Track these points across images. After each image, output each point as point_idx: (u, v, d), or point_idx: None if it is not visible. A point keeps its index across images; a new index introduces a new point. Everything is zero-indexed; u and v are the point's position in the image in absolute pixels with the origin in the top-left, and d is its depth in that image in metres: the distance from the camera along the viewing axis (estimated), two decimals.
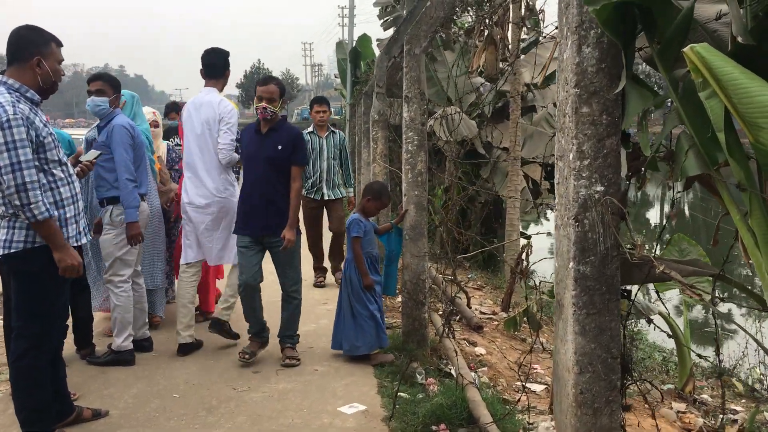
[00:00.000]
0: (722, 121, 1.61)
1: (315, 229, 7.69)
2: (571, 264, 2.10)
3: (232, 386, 4.43)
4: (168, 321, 5.74)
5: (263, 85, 4.82)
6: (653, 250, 2.06)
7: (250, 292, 4.84)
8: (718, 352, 1.98)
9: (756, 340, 1.90)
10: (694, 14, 1.87)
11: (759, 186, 1.76)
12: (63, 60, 3.48)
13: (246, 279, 4.80)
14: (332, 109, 7.76)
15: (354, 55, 20.42)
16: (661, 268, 1.83)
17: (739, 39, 1.58)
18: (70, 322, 3.89)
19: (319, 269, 7.79)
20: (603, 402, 2.13)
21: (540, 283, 3.52)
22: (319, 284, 7.64)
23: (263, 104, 4.75)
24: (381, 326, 4.92)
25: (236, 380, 4.54)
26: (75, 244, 3.46)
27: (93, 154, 4.34)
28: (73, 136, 5.75)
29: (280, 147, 4.70)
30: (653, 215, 22.34)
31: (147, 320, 5.12)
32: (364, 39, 19.76)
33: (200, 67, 5.19)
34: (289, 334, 4.98)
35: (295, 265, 4.91)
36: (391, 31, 12.21)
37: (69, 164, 3.54)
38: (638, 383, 2.42)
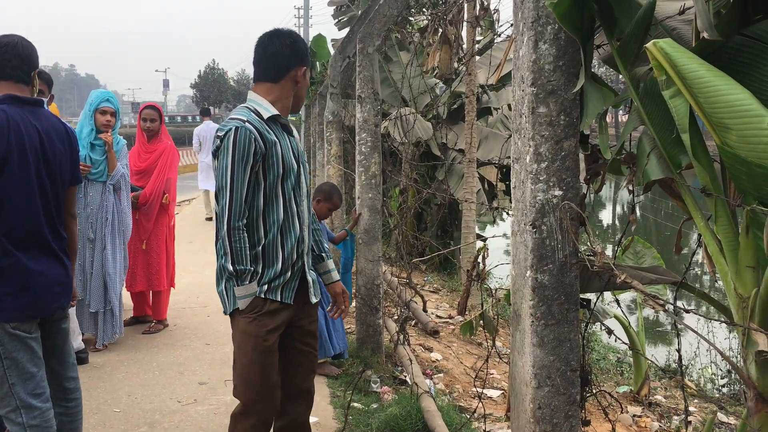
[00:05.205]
0: (687, 122, 1.52)
1: (270, 377, 2.75)
2: (529, 272, 1.98)
3: (176, 399, 4.22)
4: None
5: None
6: (613, 258, 1.96)
7: None
8: (680, 364, 1.89)
9: (709, 342, 1.82)
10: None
11: (724, 190, 1.67)
12: None
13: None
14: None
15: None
16: (623, 277, 1.73)
17: (705, 35, 1.49)
18: None
19: None
20: (562, 417, 2.02)
21: (496, 290, 3.42)
22: None
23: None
24: (324, 336, 4.58)
25: (181, 393, 4.33)
26: None
27: None
28: None
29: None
30: (606, 216, 22.71)
31: (80, 331, 4.83)
32: (320, 39, 19.49)
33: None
34: None
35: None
36: (346, 32, 12.06)
37: None
38: (597, 395, 2.33)
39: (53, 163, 2.75)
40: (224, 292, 2.72)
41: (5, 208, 2.60)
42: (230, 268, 2.61)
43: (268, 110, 2.72)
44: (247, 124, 2.61)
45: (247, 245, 2.63)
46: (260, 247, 2.68)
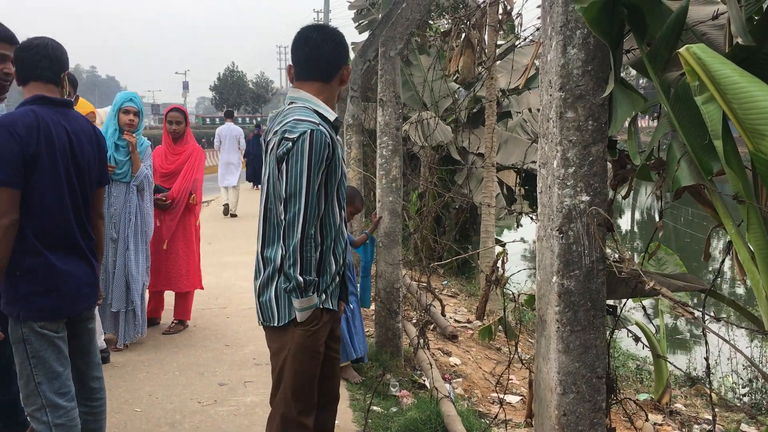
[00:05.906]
0: (720, 128, 1.50)
1: (315, 387, 2.71)
2: (555, 278, 1.97)
3: (197, 400, 4.25)
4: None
5: None
6: (640, 264, 1.94)
7: None
8: (708, 372, 1.87)
9: (743, 354, 1.79)
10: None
11: (756, 197, 1.65)
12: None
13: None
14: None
15: None
16: (651, 284, 1.71)
17: (739, 40, 1.47)
18: None
19: None
20: (587, 425, 2.00)
21: (518, 295, 3.40)
22: None
23: None
24: (346, 339, 4.52)
25: (202, 393, 4.35)
26: None
27: None
28: None
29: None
30: (624, 222, 22.52)
31: (102, 330, 4.86)
32: None
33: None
34: None
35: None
36: (366, 35, 12.09)
37: None
38: (621, 402, 2.31)
39: (82, 163, 2.78)
40: (272, 302, 2.53)
41: (36, 208, 2.63)
42: (299, 278, 2.41)
43: (329, 112, 2.57)
44: (320, 127, 2.43)
45: (315, 254, 2.47)
46: (318, 254, 2.51)
